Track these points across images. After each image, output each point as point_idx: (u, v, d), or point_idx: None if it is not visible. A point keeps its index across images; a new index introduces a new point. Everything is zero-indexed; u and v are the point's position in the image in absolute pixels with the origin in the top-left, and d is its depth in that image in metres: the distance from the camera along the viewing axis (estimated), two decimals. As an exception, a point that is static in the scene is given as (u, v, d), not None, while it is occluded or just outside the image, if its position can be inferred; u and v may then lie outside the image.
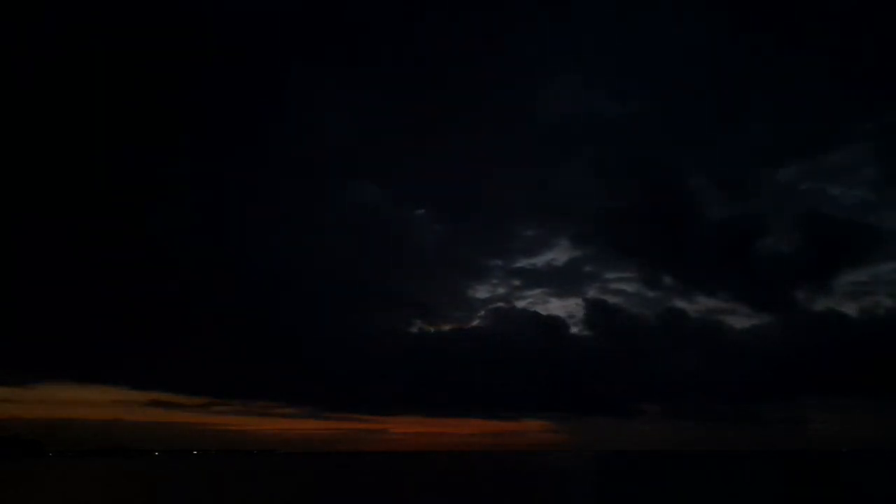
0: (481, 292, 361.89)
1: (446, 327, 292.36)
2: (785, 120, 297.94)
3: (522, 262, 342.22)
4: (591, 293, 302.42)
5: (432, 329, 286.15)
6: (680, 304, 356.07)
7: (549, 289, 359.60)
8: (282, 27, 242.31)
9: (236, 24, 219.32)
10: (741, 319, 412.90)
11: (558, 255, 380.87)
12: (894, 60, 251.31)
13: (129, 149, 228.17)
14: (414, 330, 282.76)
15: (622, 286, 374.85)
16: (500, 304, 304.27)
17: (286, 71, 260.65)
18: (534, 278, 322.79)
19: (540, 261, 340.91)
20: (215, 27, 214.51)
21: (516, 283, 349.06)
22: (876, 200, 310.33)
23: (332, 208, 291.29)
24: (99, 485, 71.28)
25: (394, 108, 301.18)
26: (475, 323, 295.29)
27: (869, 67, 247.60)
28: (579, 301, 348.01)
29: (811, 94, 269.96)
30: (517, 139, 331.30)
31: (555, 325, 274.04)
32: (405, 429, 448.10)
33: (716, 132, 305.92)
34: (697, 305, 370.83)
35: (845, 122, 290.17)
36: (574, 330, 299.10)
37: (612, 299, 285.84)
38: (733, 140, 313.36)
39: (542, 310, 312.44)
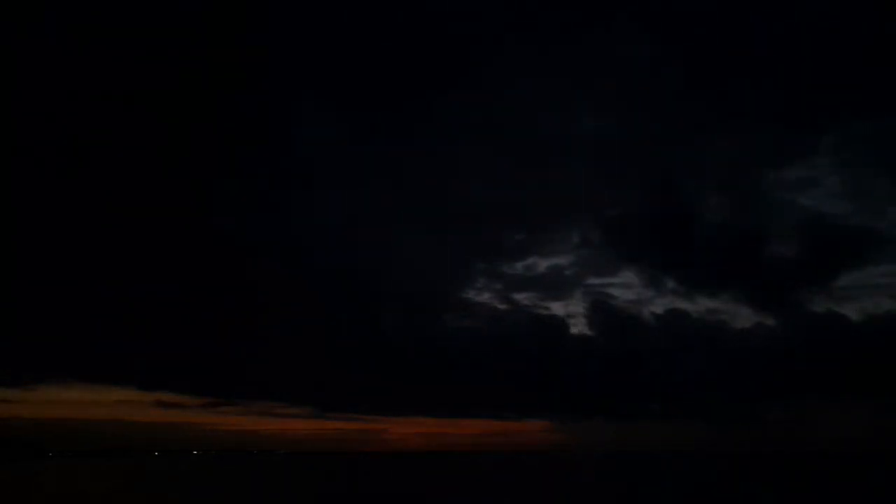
0: (481, 293, 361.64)
1: (446, 327, 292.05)
2: (780, 123, 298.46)
3: (524, 264, 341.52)
4: (593, 294, 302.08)
5: (432, 328, 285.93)
6: (681, 305, 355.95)
7: (551, 290, 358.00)
8: (269, 38, 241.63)
9: (232, 27, 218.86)
10: (742, 321, 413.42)
11: (561, 256, 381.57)
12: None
13: (127, 149, 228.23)
14: (414, 329, 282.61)
15: (624, 288, 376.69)
16: (502, 305, 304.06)
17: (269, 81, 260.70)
18: (535, 279, 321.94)
19: (541, 262, 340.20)
20: (212, 29, 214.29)
21: (517, 283, 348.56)
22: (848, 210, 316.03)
23: (333, 209, 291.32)
24: (99, 485, 71.30)
25: (382, 114, 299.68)
26: (476, 323, 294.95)
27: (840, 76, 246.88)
28: (581, 302, 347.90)
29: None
30: (520, 143, 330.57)
31: (556, 326, 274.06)
32: (405, 429, 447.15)
33: (716, 135, 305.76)
34: (698, 307, 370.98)
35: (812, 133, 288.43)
36: (575, 330, 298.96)
37: (613, 301, 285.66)
38: (735, 142, 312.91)
39: (543, 311, 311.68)
